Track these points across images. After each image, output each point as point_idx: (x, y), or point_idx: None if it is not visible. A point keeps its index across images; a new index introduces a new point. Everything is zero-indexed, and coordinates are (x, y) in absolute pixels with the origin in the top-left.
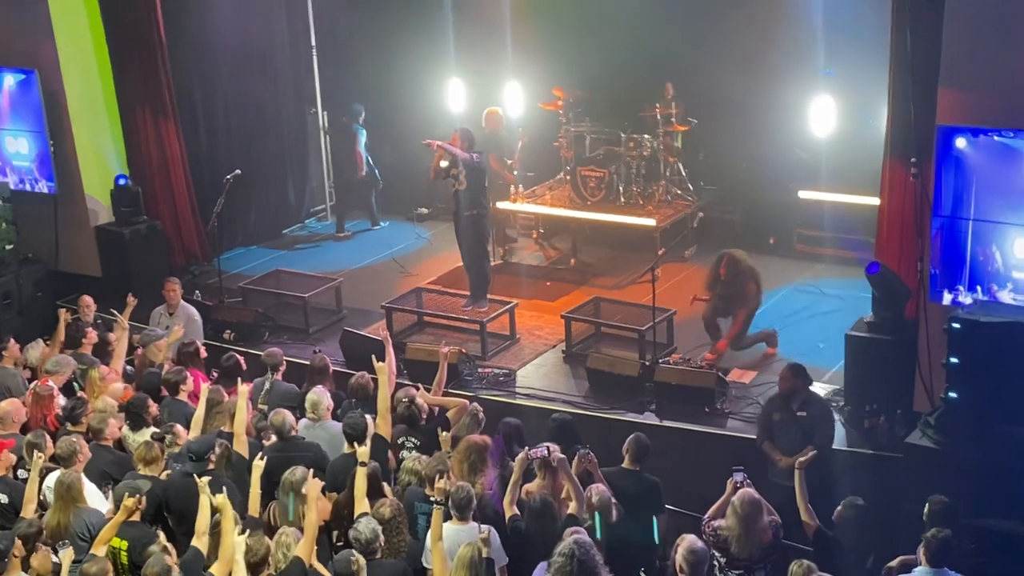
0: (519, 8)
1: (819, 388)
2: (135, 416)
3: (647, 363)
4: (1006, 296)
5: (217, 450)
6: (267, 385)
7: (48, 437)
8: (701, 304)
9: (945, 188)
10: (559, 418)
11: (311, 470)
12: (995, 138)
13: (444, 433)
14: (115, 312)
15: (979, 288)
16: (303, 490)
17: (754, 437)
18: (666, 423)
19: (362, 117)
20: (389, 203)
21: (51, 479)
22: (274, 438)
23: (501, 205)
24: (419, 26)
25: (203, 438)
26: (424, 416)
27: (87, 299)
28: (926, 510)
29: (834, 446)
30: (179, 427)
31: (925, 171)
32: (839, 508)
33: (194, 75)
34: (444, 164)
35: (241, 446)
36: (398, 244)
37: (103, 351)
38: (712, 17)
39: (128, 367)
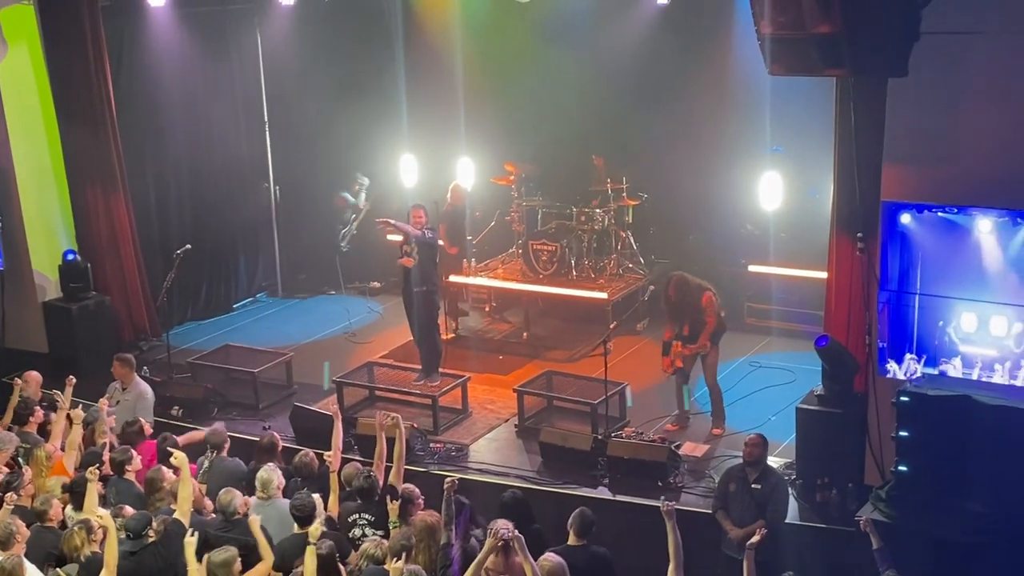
0: (472, 85)
1: (771, 461)
2: (79, 496)
3: (599, 437)
4: (953, 370)
5: (155, 525)
6: (206, 464)
7: None
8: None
9: (891, 263)
10: (511, 496)
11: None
12: (939, 214)
13: (393, 502)
14: (56, 392)
15: (926, 362)
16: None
17: (708, 511)
18: (619, 497)
19: (356, 187)
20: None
21: None
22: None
23: (454, 279)
24: (373, 102)
25: (139, 515)
26: (379, 491)
27: (34, 374)
28: None
29: (787, 520)
30: (128, 508)
31: (871, 246)
32: None
33: (145, 149)
34: (395, 238)
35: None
36: (350, 318)
37: (45, 430)
38: (663, 94)
39: None
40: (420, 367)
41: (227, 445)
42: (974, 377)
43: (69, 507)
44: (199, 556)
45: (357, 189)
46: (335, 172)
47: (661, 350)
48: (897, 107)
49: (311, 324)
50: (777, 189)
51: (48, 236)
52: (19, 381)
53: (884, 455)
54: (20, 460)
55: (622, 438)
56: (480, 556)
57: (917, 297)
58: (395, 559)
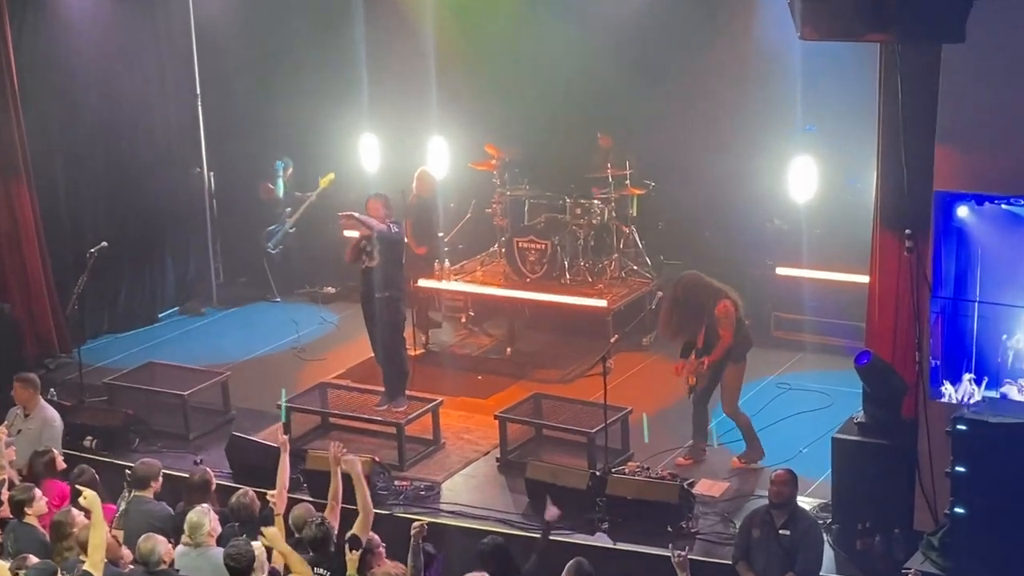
0: (446, 52)
1: (802, 502)
2: None
3: (598, 473)
4: (1018, 392)
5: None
6: (123, 505)
7: None
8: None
9: (945, 265)
10: (490, 543)
11: None
12: (1003, 206)
13: (352, 552)
14: None
15: (988, 383)
16: None
17: (727, 562)
18: (621, 545)
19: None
20: (289, 280)
21: None
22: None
23: (423, 283)
24: (327, 72)
25: (42, 565)
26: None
27: None
28: None
29: (821, 572)
30: (32, 558)
31: (922, 244)
32: None
33: (53, 129)
34: (352, 234)
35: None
36: (299, 330)
37: None
38: (673, 65)
39: None
40: (383, 389)
41: (156, 485)
42: None
43: None
44: None
45: (283, 176)
46: (280, 155)
47: (680, 352)
48: (953, 80)
49: (252, 337)
50: (810, 177)
51: None
52: None
53: (937, 495)
54: None
55: (625, 474)
56: None
57: (976, 305)
58: None
